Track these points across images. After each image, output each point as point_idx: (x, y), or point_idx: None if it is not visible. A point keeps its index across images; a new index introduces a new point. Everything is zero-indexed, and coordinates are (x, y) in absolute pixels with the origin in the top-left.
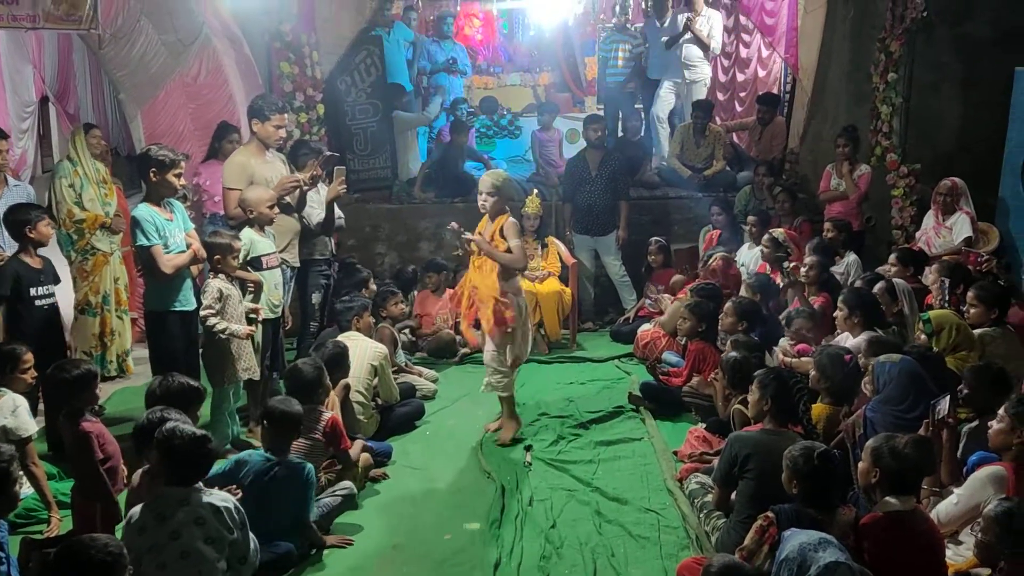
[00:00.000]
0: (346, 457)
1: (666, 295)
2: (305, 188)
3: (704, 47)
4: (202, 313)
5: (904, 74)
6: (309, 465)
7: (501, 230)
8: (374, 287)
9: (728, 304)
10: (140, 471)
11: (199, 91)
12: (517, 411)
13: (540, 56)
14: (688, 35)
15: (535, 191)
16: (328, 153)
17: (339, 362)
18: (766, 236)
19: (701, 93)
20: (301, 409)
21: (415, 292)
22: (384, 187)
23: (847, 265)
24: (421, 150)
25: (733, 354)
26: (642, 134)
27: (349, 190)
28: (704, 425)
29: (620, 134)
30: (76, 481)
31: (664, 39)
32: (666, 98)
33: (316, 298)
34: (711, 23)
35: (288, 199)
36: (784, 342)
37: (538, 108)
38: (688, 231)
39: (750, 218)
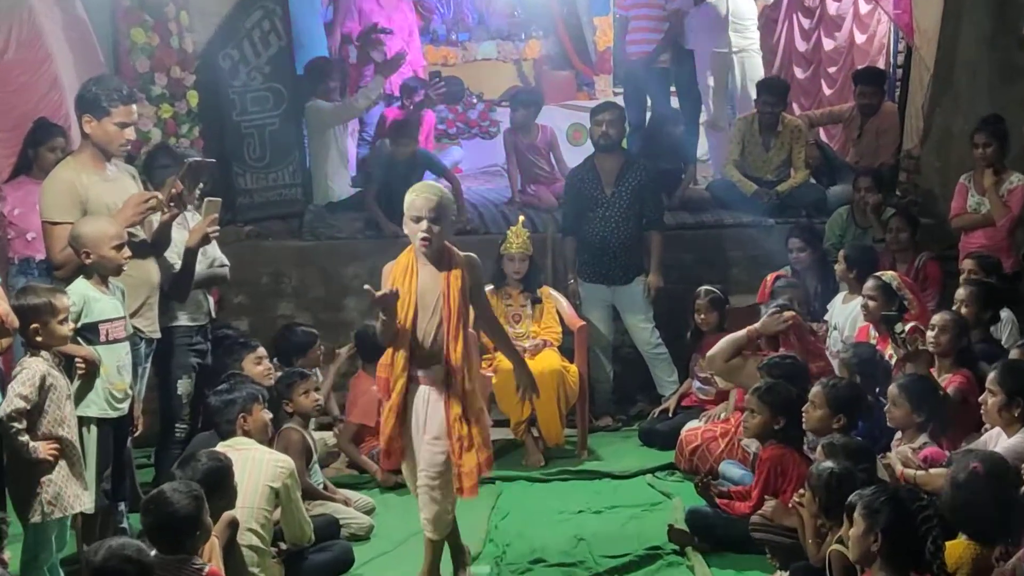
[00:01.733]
0: None
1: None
2: (166, 214)
3: None
4: (4, 410)
5: None
6: None
7: (461, 285)
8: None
9: (816, 389)
10: None
11: (6, 73)
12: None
13: (527, 17)
14: None
15: (520, 219)
16: (196, 160)
17: (218, 485)
18: (871, 282)
19: (757, 68)
20: (155, 561)
21: (331, 372)
22: (291, 215)
23: (998, 326)
24: (358, 152)
25: (827, 465)
26: (681, 130)
27: (237, 219)
28: (786, 575)
29: (647, 131)
30: None
31: None
32: (716, 74)
33: (184, 386)
34: None
35: (141, 232)
36: (904, 446)
37: (512, 97)
38: (753, 275)
39: (844, 254)
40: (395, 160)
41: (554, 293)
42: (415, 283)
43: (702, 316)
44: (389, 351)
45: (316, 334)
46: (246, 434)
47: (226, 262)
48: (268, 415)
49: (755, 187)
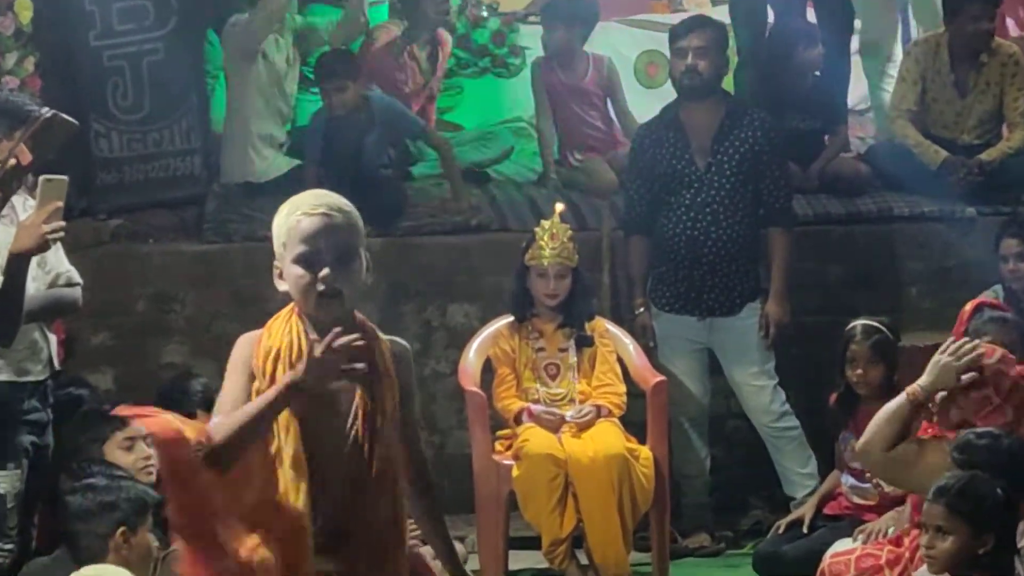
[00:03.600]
0: None
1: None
2: None
3: None
4: None
5: None
6: None
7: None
8: None
9: None
10: None
11: None
12: None
13: None
14: None
15: (558, 208)
16: (52, 116)
17: None
18: None
19: None
20: None
21: None
22: (184, 201)
23: None
24: (303, 109)
25: None
26: (820, 59)
27: (96, 208)
28: None
29: (766, 64)
30: None
31: None
32: None
33: (8, 481)
34: None
35: None
36: None
37: (545, 7)
38: (942, 299)
39: None
40: (333, 116)
41: (614, 329)
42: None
43: (859, 370)
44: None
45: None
46: (122, 562)
47: (77, 279)
48: (154, 540)
49: (945, 155)
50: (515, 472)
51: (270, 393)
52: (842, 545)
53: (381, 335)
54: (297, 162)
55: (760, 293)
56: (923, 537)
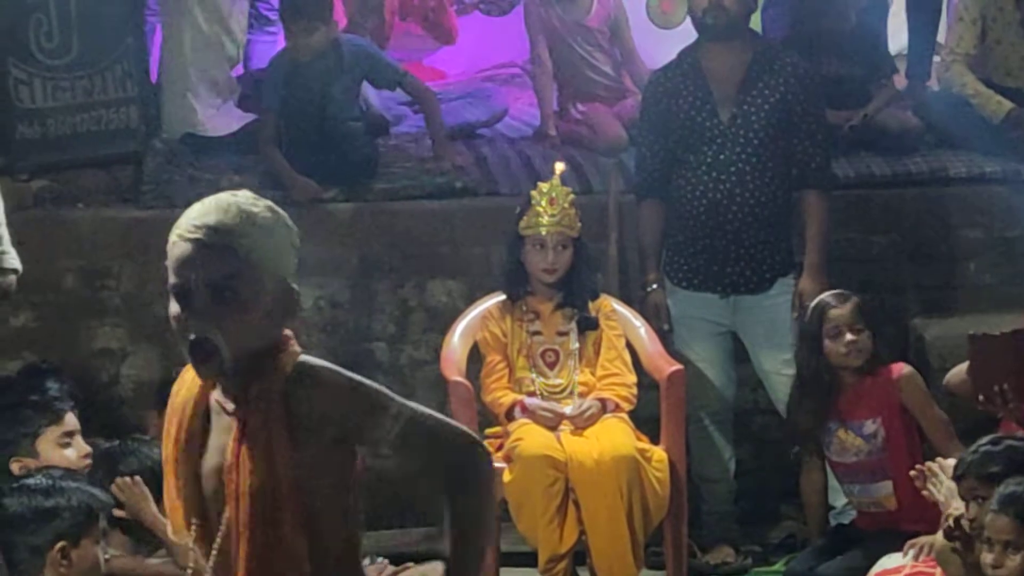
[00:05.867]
0: None
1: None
2: None
3: None
4: None
5: None
6: None
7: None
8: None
9: None
10: None
11: None
12: None
13: None
14: None
15: (558, 168)
16: None
17: None
18: None
19: None
20: None
21: None
22: (118, 159)
23: None
24: (261, 52)
25: None
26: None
27: (15, 167)
28: None
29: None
30: None
31: None
32: None
33: None
34: None
35: None
36: None
37: None
38: (1006, 278)
39: None
40: (298, 62)
41: (622, 310)
42: (209, 453)
43: (847, 336)
44: None
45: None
46: None
47: (13, 264)
48: (102, 552)
49: (1009, 106)
50: (507, 477)
51: None
52: (891, 561)
53: (293, 368)
54: (252, 116)
55: (793, 267)
56: (987, 556)
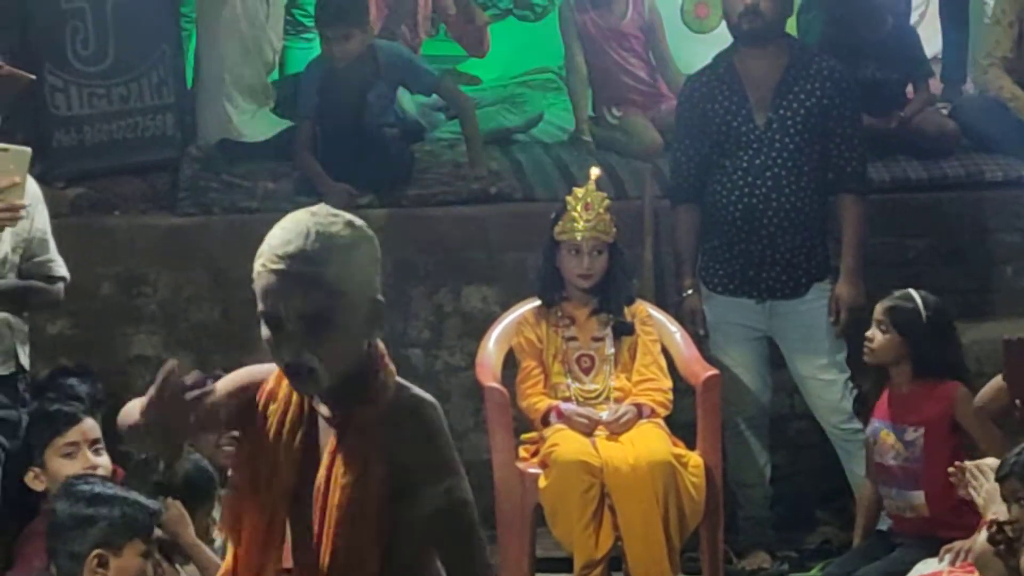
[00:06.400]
0: None
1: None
2: None
3: None
4: None
5: None
6: None
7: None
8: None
9: None
10: None
11: None
12: None
13: None
14: None
15: (593, 173)
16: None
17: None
18: None
19: None
20: None
21: None
22: (155, 165)
23: None
24: (297, 59)
25: None
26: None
27: (52, 174)
28: None
29: (836, 5)
30: None
31: None
32: None
33: None
34: None
35: None
36: None
37: None
38: None
39: None
40: (334, 68)
41: (658, 315)
42: (297, 452)
43: (869, 331)
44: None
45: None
46: None
47: (61, 272)
48: (150, 566)
49: None
50: (542, 482)
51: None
52: (927, 567)
53: (397, 390)
54: (288, 122)
55: (829, 272)
56: (1009, 515)
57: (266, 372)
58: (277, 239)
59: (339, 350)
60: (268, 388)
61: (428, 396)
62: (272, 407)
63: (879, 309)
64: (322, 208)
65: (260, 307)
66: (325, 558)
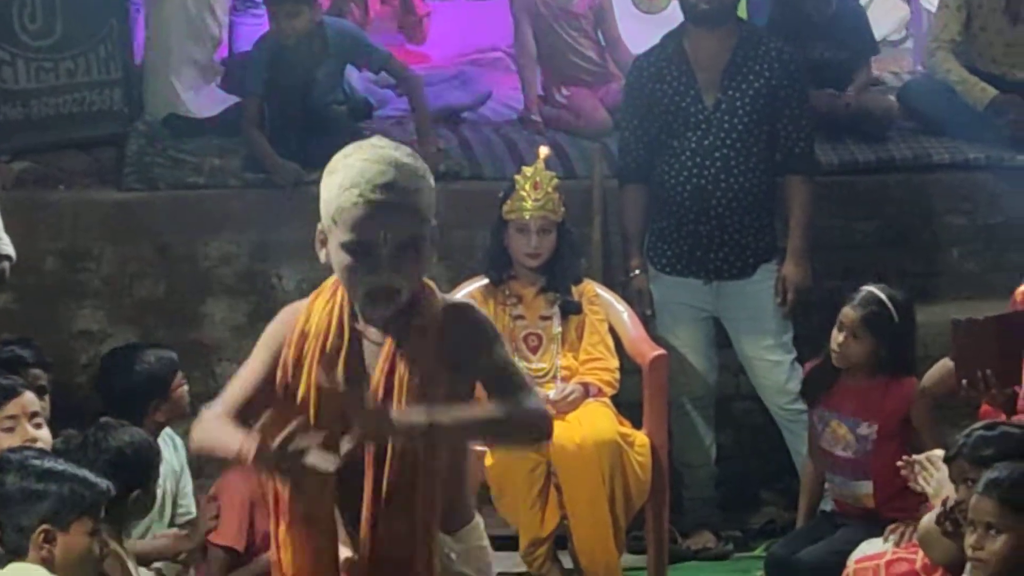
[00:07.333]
0: None
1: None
2: None
3: None
4: None
5: None
6: None
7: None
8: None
9: None
10: None
11: None
12: None
13: None
14: None
15: (542, 153)
16: None
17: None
18: None
19: None
20: None
21: None
22: (101, 140)
23: None
24: (247, 35)
25: None
26: None
27: (1, 148)
28: None
29: None
30: None
31: None
32: None
33: None
34: None
35: None
36: None
37: None
38: (989, 265)
39: None
40: (282, 45)
41: (605, 294)
42: (342, 373)
43: (841, 338)
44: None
45: (173, 358)
46: (44, 563)
47: (8, 250)
48: (95, 542)
49: (993, 93)
50: (488, 460)
51: (229, 448)
52: (871, 547)
53: (441, 299)
54: (236, 99)
55: (776, 253)
56: (969, 537)
57: (294, 311)
58: (371, 171)
59: (419, 272)
60: (301, 326)
61: (469, 300)
62: (307, 342)
63: (849, 315)
64: (383, 140)
65: (350, 236)
66: (395, 464)
